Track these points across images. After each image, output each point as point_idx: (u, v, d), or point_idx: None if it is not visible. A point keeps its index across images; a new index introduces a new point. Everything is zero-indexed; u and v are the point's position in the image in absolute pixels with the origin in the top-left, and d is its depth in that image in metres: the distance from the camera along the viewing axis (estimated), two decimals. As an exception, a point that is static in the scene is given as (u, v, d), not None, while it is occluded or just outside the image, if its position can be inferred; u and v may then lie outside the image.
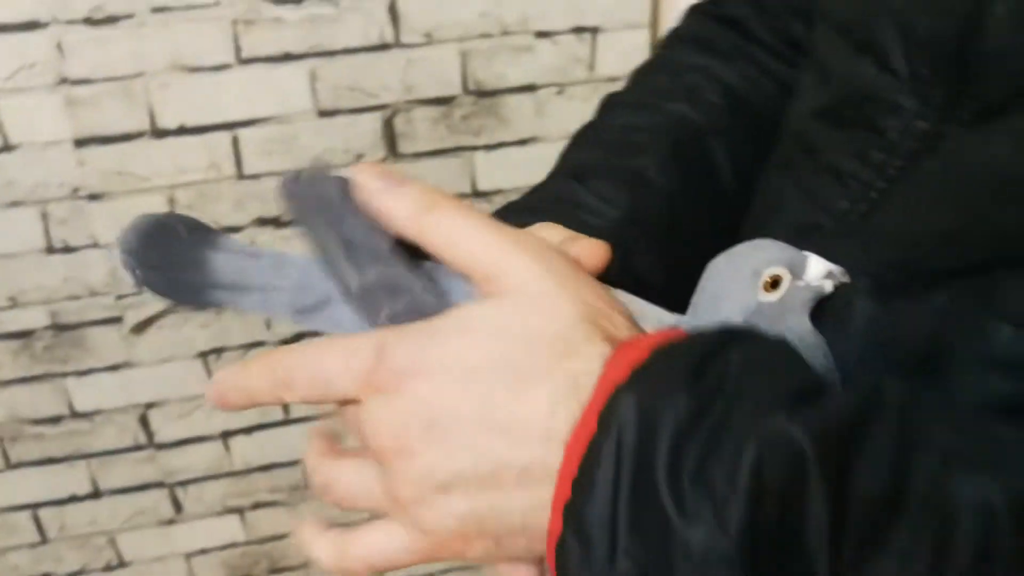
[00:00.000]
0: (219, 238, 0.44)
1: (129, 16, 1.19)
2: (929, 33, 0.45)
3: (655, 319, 0.44)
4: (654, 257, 0.52)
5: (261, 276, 0.44)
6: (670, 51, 0.66)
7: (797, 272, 0.44)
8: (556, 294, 0.39)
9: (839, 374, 0.43)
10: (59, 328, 1.36)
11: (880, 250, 0.46)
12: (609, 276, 0.44)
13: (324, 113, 1.29)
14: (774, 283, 0.44)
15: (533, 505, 0.37)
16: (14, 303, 1.33)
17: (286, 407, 1.50)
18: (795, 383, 0.37)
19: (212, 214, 1.33)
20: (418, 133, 1.33)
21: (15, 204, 1.26)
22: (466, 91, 1.32)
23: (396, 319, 0.41)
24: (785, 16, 0.65)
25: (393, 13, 1.25)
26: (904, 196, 0.47)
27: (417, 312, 0.40)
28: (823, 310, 0.44)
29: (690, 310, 0.45)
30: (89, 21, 1.18)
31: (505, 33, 1.29)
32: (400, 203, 0.41)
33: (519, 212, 0.57)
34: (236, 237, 0.46)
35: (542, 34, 1.31)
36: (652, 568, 0.35)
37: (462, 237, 0.40)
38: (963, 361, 0.43)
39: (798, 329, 0.44)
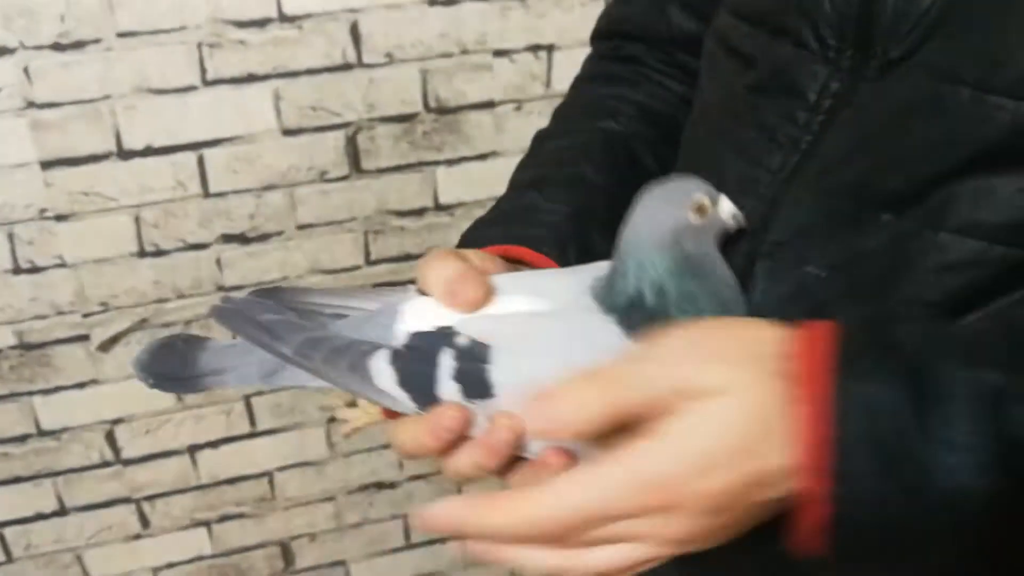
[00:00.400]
0: (206, 342, 0.58)
1: (96, 41, 1.21)
2: (834, 10, 0.55)
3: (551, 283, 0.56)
4: (606, 241, 0.59)
5: (234, 359, 0.57)
6: (582, 90, 0.78)
7: (714, 204, 0.54)
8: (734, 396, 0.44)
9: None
10: (26, 347, 1.37)
11: (823, 190, 0.55)
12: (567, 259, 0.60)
13: (288, 132, 1.32)
14: (700, 209, 0.53)
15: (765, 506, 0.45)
16: (-20, 324, 1.34)
17: (252, 419, 1.53)
18: (959, 342, 0.45)
19: (178, 232, 1.35)
20: (381, 150, 1.37)
21: (-18, 226, 1.28)
22: (427, 108, 1.36)
23: (327, 359, 0.54)
24: (670, 48, 0.75)
25: (355, 34, 1.29)
26: (830, 144, 0.56)
27: (335, 351, 0.54)
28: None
29: (627, 226, 0.54)
30: (56, 46, 1.20)
31: (464, 52, 1.34)
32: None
33: (489, 225, 0.66)
34: (217, 338, 0.58)
35: (500, 52, 1.35)
36: (917, 514, 0.43)
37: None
38: (920, 270, 0.51)
39: (713, 255, 0.54)
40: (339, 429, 1.56)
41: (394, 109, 1.35)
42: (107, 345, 1.40)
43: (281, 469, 1.58)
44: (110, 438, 1.48)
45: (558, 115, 0.77)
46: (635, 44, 0.77)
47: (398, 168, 1.39)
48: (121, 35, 1.21)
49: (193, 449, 1.53)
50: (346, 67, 1.30)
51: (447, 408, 0.53)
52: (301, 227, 1.39)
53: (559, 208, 0.64)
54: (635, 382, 0.45)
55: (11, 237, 1.29)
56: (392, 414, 0.57)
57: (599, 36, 0.82)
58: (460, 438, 0.54)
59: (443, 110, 1.37)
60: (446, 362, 0.54)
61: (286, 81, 1.29)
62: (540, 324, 0.54)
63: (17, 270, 1.32)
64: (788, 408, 0.43)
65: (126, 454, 1.50)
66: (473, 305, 0.54)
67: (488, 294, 0.54)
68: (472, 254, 0.57)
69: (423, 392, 0.54)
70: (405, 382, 0.54)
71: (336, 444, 1.59)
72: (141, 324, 1.40)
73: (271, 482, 1.59)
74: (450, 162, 1.40)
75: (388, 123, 1.36)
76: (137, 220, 1.33)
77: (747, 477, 0.44)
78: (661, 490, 0.44)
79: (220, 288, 1.39)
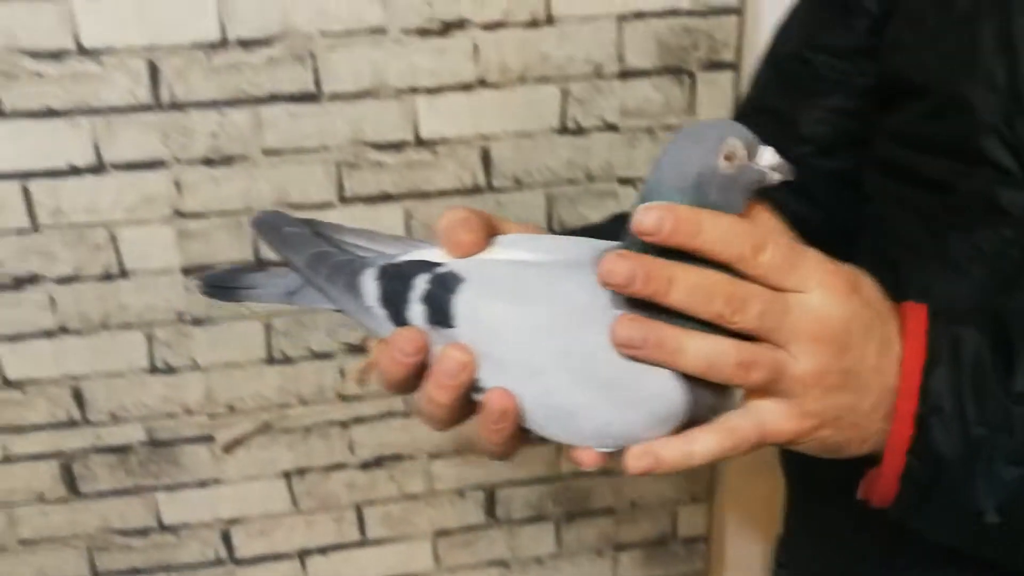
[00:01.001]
0: (258, 269, 0.66)
1: (244, 157, 1.28)
2: None
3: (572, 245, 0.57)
4: None
5: (268, 278, 0.64)
6: None
7: (753, 154, 0.52)
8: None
9: None
10: (154, 444, 1.42)
11: None
12: None
13: (416, 249, 1.37)
14: (730, 156, 0.51)
15: (875, 407, 0.54)
16: (116, 419, 1.40)
17: (362, 528, 1.54)
18: None
19: (306, 341, 1.39)
20: (504, 270, 1.40)
21: (125, 327, 1.35)
22: (551, 231, 1.39)
23: (329, 276, 0.58)
24: (800, 171, 0.77)
25: (486, 159, 1.33)
26: None
27: (336, 267, 0.58)
28: None
29: (654, 166, 0.53)
30: (207, 161, 1.28)
31: (590, 179, 1.36)
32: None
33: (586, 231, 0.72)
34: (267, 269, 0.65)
35: (625, 180, 1.37)
36: (996, 431, 0.53)
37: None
38: None
39: (734, 206, 0.52)
40: (447, 542, 1.57)
41: (519, 231, 1.38)
42: (231, 446, 1.44)
43: (388, 579, 1.59)
44: (225, 537, 1.51)
45: None
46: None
47: (520, 288, 1.41)
48: (267, 152, 1.29)
49: (303, 554, 1.55)
50: (476, 190, 1.34)
51: (403, 331, 0.54)
52: (422, 341, 1.42)
53: None
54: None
55: (150, 338, 1.36)
56: None
57: None
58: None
59: (567, 234, 1.39)
60: (420, 284, 0.55)
61: (417, 201, 1.34)
62: (519, 269, 0.54)
63: (153, 370, 1.38)
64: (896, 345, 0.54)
65: (239, 554, 1.53)
66: (464, 248, 0.55)
67: (480, 241, 0.55)
68: (507, 221, 0.59)
69: (398, 310, 0.56)
70: (385, 298, 0.56)
71: (442, 557, 1.59)
72: (264, 428, 1.44)
73: None
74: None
75: (513, 244, 1.39)
76: (267, 328, 1.38)
77: (872, 356, 0.53)
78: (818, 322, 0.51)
79: (341, 397, 1.43)
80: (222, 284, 0.64)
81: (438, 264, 0.56)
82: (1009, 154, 0.63)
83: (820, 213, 0.79)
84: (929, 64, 0.68)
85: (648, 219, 0.48)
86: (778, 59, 0.81)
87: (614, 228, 0.70)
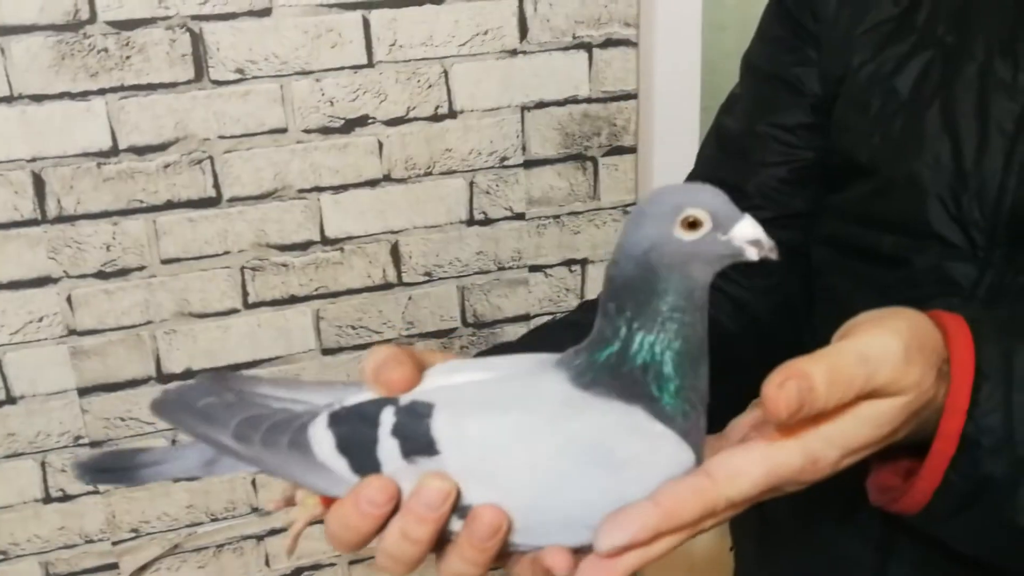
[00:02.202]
0: (147, 448, 0.56)
1: (140, 268, 1.22)
2: (985, 219, 0.65)
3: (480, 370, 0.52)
4: None
5: (174, 453, 0.55)
6: None
7: (723, 225, 0.48)
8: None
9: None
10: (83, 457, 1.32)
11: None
12: None
13: (327, 351, 1.32)
14: (692, 224, 0.47)
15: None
16: (6, 556, 1.29)
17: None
18: None
19: (213, 454, 1.32)
20: (418, 365, 1.37)
21: (15, 455, 1.25)
22: (465, 323, 1.37)
23: (266, 439, 0.51)
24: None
25: (395, 255, 1.30)
26: None
27: (274, 427, 0.51)
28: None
29: (622, 227, 0.50)
30: (101, 275, 1.21)
31: (501, 268, 1.35)
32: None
33: (511, 348, 0.67)
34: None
35: (535, 268, 1.37)
36: None
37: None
38: None
39: (696, 279, 0.48)
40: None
41: (433, 325, 1.35)
42: (136, 574, 1.35)
43: None
44: (133, 670, 1.41)
45: (583, 307, 0.79)
46: None
47: (435, 382, 1.39)
48: (165, 262, 1.23)
49: None
50: (387, 286, 1.31)
51: (372, 479, 0.49)
52: (336, 444, 1.37)
53: None
54: (859, 384, 0.48)
55: (43, 466, 1.27)
56: (331, 504, 0.52)
57: None
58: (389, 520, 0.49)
59: (480, 324, 1.37)
60: (387, 419, 0.50)
61: (326, 301, 1.30)
62: (484, 385, 0.51)
63: (48, 499, 1.28)
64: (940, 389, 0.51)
65: None
66: (397, 386, 0.51)
67: (414, 375, 0.51)
68: (435, 353, 0.55)
69: (361, 454, 0.50)
70: (342, 445, 0.50)
71: (367, 668, 1.52)
72: (173, 550, 1.35)
73: None
74: (487, 375, 1.40)
75: (427, 338, 1.36)
76: (174, 443, 1.31)
77: (886, 443, 0.50)
78: (815, 468, 0.48)
79: (254, 509, 1.36)
80: (110, 467, 0.55)
81: (394, 398, 0.51)
82: (957, 228, 0.65)
83: (766, 282, 0.79)
84: (876, 145, 0.70)
85: (781, 408, 0.46)
86: (724, 136, 0.82)
87: (582, 319, 0.68)
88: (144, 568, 1.35)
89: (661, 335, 0.48)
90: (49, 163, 1.15)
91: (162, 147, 1.18)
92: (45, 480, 1.28)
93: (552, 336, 0.69)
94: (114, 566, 1.34)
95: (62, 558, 1.31)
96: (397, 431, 0.49)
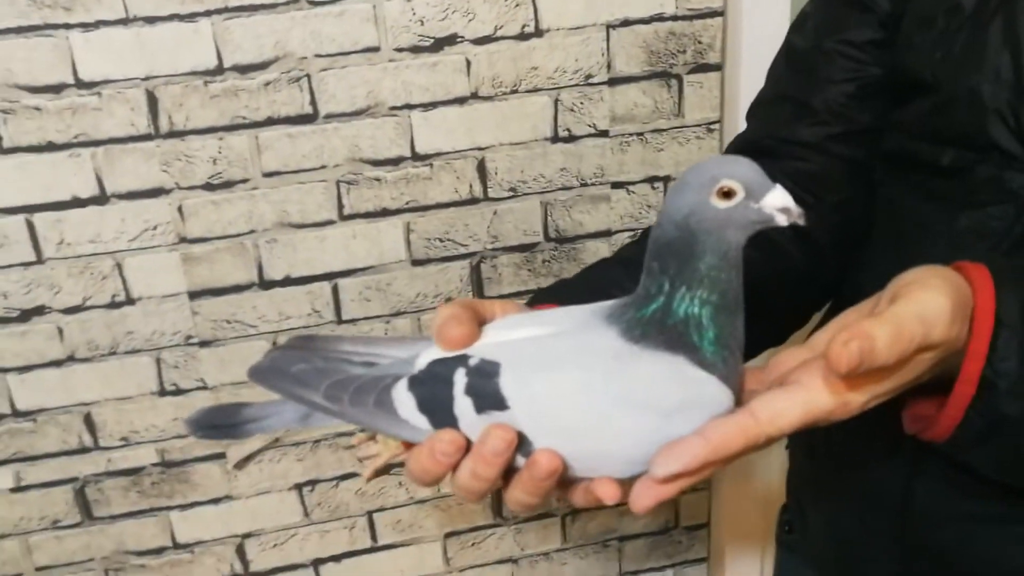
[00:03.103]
0: (249, 403, 0.63)
1: (243, 181, 1.30)
2: None
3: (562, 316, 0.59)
4: None
5: (273, 407, 0.63)
6: None
7: (755, 194, 0.53)
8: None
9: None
10: (167, 465, 1.44)
11: None
12: None
13: (417, 262, 1.39)
14: (727, 194, 0.53)
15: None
16: (127, 443, 1.42)
17: (374, 535, 1.57)
18: None
19: (312, 356, 1.42)
20: (503, 277, 1.43)
21: (133, 352, 1.36)
22: (547, 238, 1.42)
23: (353, 400, 0.59)
24: (810, 155, 0.82)
25: (481, 171, 1.36)
26: None
27: (360, 389, 0.59)
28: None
29: (658, 216, 0.57)
30: (208, 186, 1.29)
31: (583, 184, 1.39)
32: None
33: (569, 286, 0.76)
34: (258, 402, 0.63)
35: (617, 184, 1.41)
36: None
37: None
38: None
39: (731, 242, 0.54)
40: (456, 543, 1.60)
41: (516, 239, 1.41)
42: (242, 464, 1.46)
43: (400, 583, 1.62)
44: (240, 552, 1.53)
45: None
46: (761, 159, 0.82)
47: (519, 294, 1.44)
48: (267, 175, 1.30)
49: (317, 563, 1.57)
50: (472, 201, 1.37)
51: (443, 433, 0.57)
52: (426, 350, 1.45)
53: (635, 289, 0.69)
54: (916, 343, 0.53)
55: (159, 362, 1.38)
56: (411, 448, 0.61)
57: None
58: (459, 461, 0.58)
59: (563, 239, 1.42)
60: (459, 379, 0.57)
61: (416, 215, 1.36)
62: (547, 341, 0.58)
63: (163, 392, 1.40)
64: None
65: (255, 567, 1.55)
66: (458, 343, 0.59)
67: (472, 332, 0.59)
68: (496, 304, 0.63)
69: (440, 412, 0.58)
70: (423, 405, 0.58)
71: (452, 559, 1.62)
72: (274, 443, 1.46)
73: None
74: (569, 288, 1.45)
75: (511, 252, 1.42)
76: (275, 345, 1.40)
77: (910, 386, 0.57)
78: (845, 408, 0.55)
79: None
80: (218, 423, 0.63)
81: (466, 357, 0.58)
82: (1015, 140, 0.69)
83: (833, 197, 0.83)
84: (938, 61, 0.72)
85: (843, 364, 0.52)
86: (795, 53, 0.84)
87: (634, 255, 0.73)
88: (248, 458, 1.46)
89: (700, 291, 0.55)
90: (161, 81, 1.23)
91: (263, 66, 1.25)
92: (160, 375, 1.39)
93: (606, 276, 0.77)
94: (221, 455, 1.45)
95: (176, 446, 1.43)
96: (470, 390, 0.57)
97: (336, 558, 1.58)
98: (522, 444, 0.57)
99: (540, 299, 0.72)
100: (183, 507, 1.48)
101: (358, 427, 0.63)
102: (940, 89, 0.73)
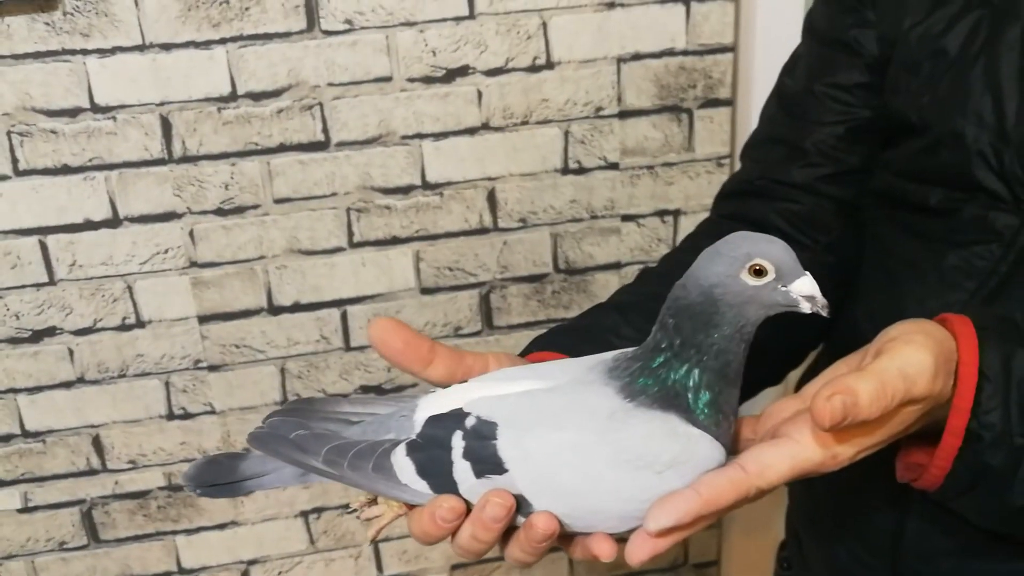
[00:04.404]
0: (247, 454, 0.64)
1: (255, 207, 1.31)
2: (1022, 172, 0.68)
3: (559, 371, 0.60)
4: None
5: (272, 464, 0.63)
6: (692, 242, 0.85)
7: (785, 277, 0.55)
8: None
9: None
10: (173, 489, 1.45)
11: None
12: None
13: (426, 290, 1.40)
14: (758, 271, 0.54)
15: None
16: (135, 465, 1.42)
17: (379, 565, 1.56)
18: None
19: (320, 383, 1.42)
20: (512, 307, 1.43)
21: (143, 375, 1.37)
22: (557, 269, 1.42)
23: (352, 464, 0.59)
24: (804, 197, 0.83)
25: (491, 200, 1.36)
26: None
27: (359, 455, 0.59)
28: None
29: (680, 281, 0.57)
30: (219, 212, 1.31)
31: (593, 217, 1.40)
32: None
33: (563, 333, 0.76)
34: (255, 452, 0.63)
35: (628, 217, 1.41)
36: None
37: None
38: None
39: (749, 318, 0.55)
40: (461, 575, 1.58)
41: (526, 270, 1.41)
42: (248, 489, 1.46)
43: (405, 615, 1.61)
44: (244, 578, 1.53)
45: (665, 258, 0.86)
46: (760, 202, 0.85)
47: (528, 324, 1.44)
48: (278, 201, 1.32)
49: (322, 592, 1.57)
50: (483, 231, 1.38)
51: (443, 499, 0.58)
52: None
53: (632, 336, 0.69)
54: (898, 398, 0.54)
55: (167, 385, 1.39)
56: (413, 508, 0.61)
57: (724, 197, 0.89)
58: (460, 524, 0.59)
59: (572, 271, 1.42)
60: (457, 443, 0.58)
61: (426, 243, 1.37)
62: (542, 398, 0.58)
63: (171, 416, 1.41)
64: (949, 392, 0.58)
65: (258, 594, 1.55)
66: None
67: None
68: (490, 357, 0.64)
69: (439, 477, 0.59)
70: (422, 470, 0.59)
71: (459, 592, 1.61)
72: (228, 458, 1.46)
73: None
74: (578, 319, 1.45)
75: (520, 283, 1.42)
76: (283, 371, 1.41)
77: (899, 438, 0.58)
78: (834, 460, 0.56)
79: (355, 436, 1.45)
80: (216, 481, 0.63)
81: (463, 415, 0.58)
82: (999, 181, 0.70)
83: (825, 239, 0.83)
84: (925, 105, 0.74)
85: (826, 419, 0.53)
86: (785, 95, 0.86)
87: (649, 289, 0.73)
88: (255, 484, 1.46)
89: (706, 357, 0.56)
90: (175, 107, 1.25)
91: (276, 93, 1.27)
92: (169, 398, 1.40)
93: (603, 322, 0.77)
94: (242, 453, 1.45)
95: (183, 470, 1.44)
96: (468, 454, 0.58)
97: (341, 587, 1.57)
98: (520, 504, 0.58)
99: (538, 346, 0.72)
100: (189, 532, 1.48)
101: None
102: (926, 132, 0.74)
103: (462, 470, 0.58)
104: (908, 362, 0.55)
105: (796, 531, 0.96)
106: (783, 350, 0.83)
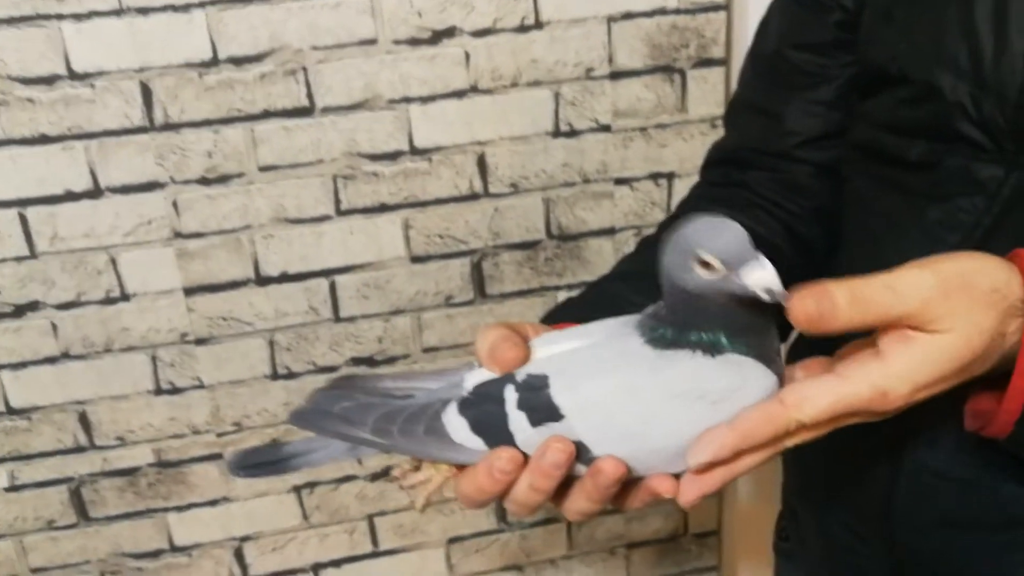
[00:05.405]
0: (291, 441, 0.63)
1: (239, 175, 1.28)
2: (1008, 124, 0.64)
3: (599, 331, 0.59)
4: None
5: (319, 443, 0.62)
6: (685, 209, 0.82)
7: (735, 267, 0.52)
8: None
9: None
10: (163, 465, 1.42)
11: None
12: None
13: (416, 259, 1.37)
14: (705, 265, 0.53)
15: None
16: (123, 442, 1.40)
17: (375, 539, 1.54)
18: None
19: (309, 355, 1.40)
20: (505, 275, 1.40)
21: (129, 349, 1.35)
22: (550, 236, 1.39)
23: (403, 430, 0.58)
24: (783, 164, 0.81)
25: (482, 166, 1.33)
26: (1011, 225, 0.65)
27: (410, 418, 0.58)
28: None
29: (663, 277, 0.56)
30: (203, 180, 1.28)
31: (586, 181, 1.37)
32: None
33: (576, 306, 0.74)
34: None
35: (621, 181, 1.38)
36: None
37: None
38: None
39: (709, 312, 0.54)
40: (460, 549, 1.57)
41: (518, 236, 1.38)
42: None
43: (401, 589, 1.59)
44: (238, 555, 1.51)
45: (663, 225, 0.83)
46: (745, 171, 0.82)
47: (521, 293, 1.42)
48: (262, 169, 1.29)
49: (317, 567, 1.55)
50: (473, 197, 1.35)
51: (501, 451, 0.57)
52: (427, 350, 1.42)
53: (643, 302, 0.67)
54: (882, 308, 0.52)
55: (154, 360, 1.36)
56: (462, 470, 0.60)
57: (708, 166, 0.87)
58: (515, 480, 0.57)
59: (565, 237, 1.40)
60: (510, 396, 0.57)
61: (415, 210, 1.34)
62: (585, 352, 0.58)
63: (158, 391, 1.38)
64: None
65: (253, 571, 1.53)
66: (512, 364, 0.58)
67: (525, 354, 0.59)
68: (527, 326, 0.62)
69: (494, 431, 0.57)
70: (476, 426, 0.58)
71: (455, 565, 1.59)
72: (272, 443, 1.43)
73: None
74: (571, 286, 1.42)
75: (512, 250, 1.39)
76: (271, 343, 1.38)
77: (958, 379, 0.54)
78: (885, 399, 0.53)
79: (347, 409, 1.43)
80: (267, 461, 0.63)
81: (512, 375, 0.58)
82: (980, 132, 0.66)
83: (810, 203, 0.82)
84: (901, 55, 0.70)
85: (800, 313, 0.52)
86: (759, 59, 0.84)
87: (650, 257, 0.71)
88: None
89: (718, 327, 0.55)
90: (155, 73, 1.22)
91: (258, 58, 1.23)
92: (156, 373, 1.37)
93: (611, 292, 0.76)
94: (219, 456, 1.43)
95: (172, 446, 1.41)
96: (523, 404, 0.57)
97: (336, 563, 1.55)
98: (579, 452, 0.57)
99: (554, 318, 0.71)
100: (180, 509, 1.46)
101: (404, 458, 0.62)
102: (905, 81, 0.71)
103: (517, 420, 0.57)
104: (899, 277, 0.53)
105: (791, 502, 0.94)
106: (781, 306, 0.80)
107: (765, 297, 0.53)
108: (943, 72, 0.67)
